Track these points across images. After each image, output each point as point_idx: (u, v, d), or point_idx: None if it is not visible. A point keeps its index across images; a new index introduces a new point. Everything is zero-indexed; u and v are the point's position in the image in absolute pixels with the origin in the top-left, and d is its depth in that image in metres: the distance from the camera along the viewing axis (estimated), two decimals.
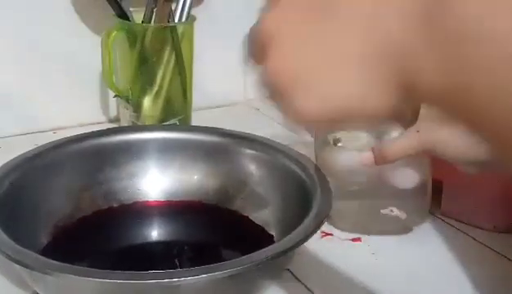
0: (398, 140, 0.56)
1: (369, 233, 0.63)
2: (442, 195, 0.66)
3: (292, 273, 0.57)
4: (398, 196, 0.62)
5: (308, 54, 0.33)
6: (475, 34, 0.28)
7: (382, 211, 0.62)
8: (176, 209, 0.63)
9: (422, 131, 0.54)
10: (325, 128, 0.40)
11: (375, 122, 0.35)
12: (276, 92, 0.36)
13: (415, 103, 0.34)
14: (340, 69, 0.32)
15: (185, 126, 0.79)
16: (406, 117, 0.36)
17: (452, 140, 0.53)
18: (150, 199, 0.65)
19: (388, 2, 0.31)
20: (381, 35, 0.31)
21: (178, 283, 0.46)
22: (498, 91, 0.27)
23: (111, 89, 0.79)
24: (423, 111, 0.43)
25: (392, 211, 0.62)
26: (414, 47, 0.30)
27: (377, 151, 0.57)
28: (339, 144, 0.62)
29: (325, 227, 0.63)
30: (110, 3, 0.76)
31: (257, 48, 0.36)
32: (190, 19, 0.80)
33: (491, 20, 0.27)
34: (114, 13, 0.77)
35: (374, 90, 0.32)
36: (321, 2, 0.33)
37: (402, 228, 0.64)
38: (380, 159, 0.57)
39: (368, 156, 0.58)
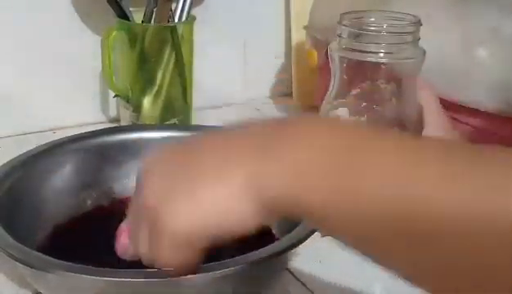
0: None
1: None
2: None
3: (292, 273, 0.57)
4: None
5: (176, 177, 0.38)
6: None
7: None
8: None
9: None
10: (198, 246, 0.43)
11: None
12: (142, 224, 0.40)
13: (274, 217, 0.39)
14: (205, 186, 0.37)
15: (185, 125, 0.79)
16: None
17: None
18: None
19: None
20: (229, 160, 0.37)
21: (177, 282, 0.46)
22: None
23: (111, 89, 0.79)
24: None
25: None
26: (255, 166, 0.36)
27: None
28: None
29: None
30: (109, 3, 0.76)
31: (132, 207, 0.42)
32: (190, 19, 0.80)
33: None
34: (114, 13, 0.77)
35: (242, 204, 0.36)
36: (188, 152, 0.40)
37: None
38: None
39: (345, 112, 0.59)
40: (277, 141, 0.36)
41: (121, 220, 0.60)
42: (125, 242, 0.55)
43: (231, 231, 0.37)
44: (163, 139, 0.67)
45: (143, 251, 0.41)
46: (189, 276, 0.46)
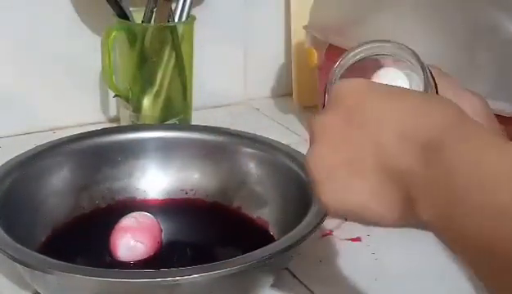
0: None
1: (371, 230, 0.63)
2: None
3: (292, 272, 0.57)
4: None
5: (337, 158, 0.40)
6: (464, 184, 0.33)
7: None
8: (175, 208, 0.63)
9: None
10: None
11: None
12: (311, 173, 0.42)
13: (415, 220, 0.38)
14: (357, 179, 0.39)
15: (185, 125, 0.79)
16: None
17: None
18: (149, 198, 0.65)
19: (400, 143, 0.37)
20: (392, 164, 0.37)
21: (177, 282, 0.46)
22: (476, 236, 0.33)
23: (111, 89, 0.79)
24: None
25: None
26: (415, 183, 0.36)
27: None
28: None
29: (325, 226, 0.62)
30: (109, 3, 0.76)
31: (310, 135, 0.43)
32: (190, 19, 0.79)
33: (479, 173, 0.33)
34: (114, 13, 0.77)
35: (381, 200, 0.38)
36: (353, 117, 0.40)
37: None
38: None
39: None
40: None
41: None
42: (128, 242, 0.55)
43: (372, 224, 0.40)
44: (164, 139, 0.67)
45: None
46: (188, 277, 0.46)
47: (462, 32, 0.66)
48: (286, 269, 0.57)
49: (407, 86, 0.53)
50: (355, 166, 0.39)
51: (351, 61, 0.55)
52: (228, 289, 0.50)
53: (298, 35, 0.90)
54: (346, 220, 0.65)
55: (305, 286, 0.56)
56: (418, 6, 0.69)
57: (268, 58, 0.97)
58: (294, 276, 0.57)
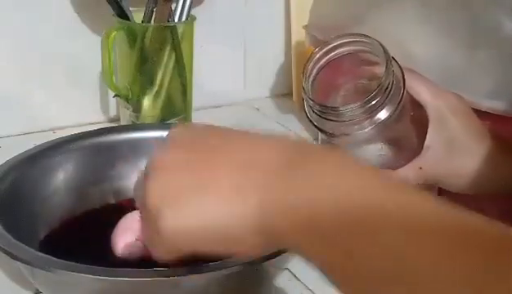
0: (401, 171, 0.56)
1: None
2: (441, 195, 0.66)
3: (292, 273, 0.57)
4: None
5: (182, 178, 0.38)
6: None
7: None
8: None
9: (424, 169, 0.55)
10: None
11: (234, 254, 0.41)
12: (146, 216, 0.40)
13: (271, 244, 0.38)
14: (208, 192, 0.37)
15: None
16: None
17: (455, 176, 0.55)
18: None
19: (257, 161, 0.37)
20: (243, 187, 0.36)
21: (176, 281, 0.46)
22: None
23: (111, 89, 0.79)
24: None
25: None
26: (272, 194, 0.35)
27: None
28: None
29: None
30: (109, 3, 0.76)
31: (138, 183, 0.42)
32: (190, 19, 0.80)
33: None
34: (114, 13, 0.77)
35: (235, 215, 0.36)
36: (200, 145, 0.39)
37: None
38: None
39: None
40: (301, 171, 0.36)
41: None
42: (128, 241, 0.55)
43: (227, 253, 0.39)
44: (164, 139, 0.67)
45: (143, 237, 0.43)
46: (188, 276, 0.46)
47: (462, 31, 0.66)
48: (286, 269, 0.57)
49: None
50: (203, 184, 0.37)
51: (324, 59, 0.56)
52: (228, 289, 0.50)
53: (298, 35, 0.90)
54: None
55: (305, 286, 0.56)
56: (418, 5, 0.69)
57: (268, 58, 0.97)
58: (294, 276, 0.57)
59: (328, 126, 0.56)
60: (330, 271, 0.35)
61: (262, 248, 0.38)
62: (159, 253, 0.40)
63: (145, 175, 0.40)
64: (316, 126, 0.57)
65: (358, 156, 0.56)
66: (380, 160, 0.58)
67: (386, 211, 0.32)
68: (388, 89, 0.54)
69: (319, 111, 0.55)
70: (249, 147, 0.38)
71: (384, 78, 0.53)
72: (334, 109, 0.55)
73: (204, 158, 0.38)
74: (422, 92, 0.56)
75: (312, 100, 0.55)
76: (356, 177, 0.35)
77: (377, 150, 0.58)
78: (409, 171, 0.56)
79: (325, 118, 0.55)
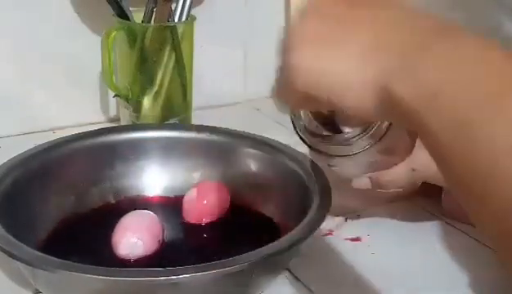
0: (394, 172, 0.56)
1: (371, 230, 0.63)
2: (441, 195, 0.66)
3: (292, 273, 0.57)
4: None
5: (323, 31, 0.39)
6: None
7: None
8: (176, 207, 0.63)
9: (418, 171, 0.55)
10: (303, 105, 0.43)
11: (348, 117, 0.40)
12: (286, 48, 0.41)
13: (389, 114, 0.37)
14: (342, 51, 0.37)
15: (185, 125, 0.79)
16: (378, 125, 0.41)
17: None
18: (149, 196, 0.65)
19: (388, 33, 0.37)
20: (378, 48, 0.36)
21: (177, 281, 0.46)
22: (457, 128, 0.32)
23: (111, 89, 0.79)
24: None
25: None
26: (395, 68, 0.35)
27: (374, 180, 0.58)
28: (334, 169, 0.61)
29: (325, 226, 0.62)
30: (109, 3, 0.76)
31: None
32: (190, 19, 0.80)
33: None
34: (114, 13, 0.77)
35: (359, 82, 0.36)
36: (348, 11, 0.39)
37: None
38: (376, 186, 0.58)
39: (365, 182, 0.58)
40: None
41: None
42: (128, 241, 0.56)
43: (346, 107, 0.38)
44: (164, 139, 0.67)
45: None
46: (188, 275, 0.46)
47: None
48: (286, 269, 0.57)
49: None
50: (339, 43, 0.38)
51: None
52: (228, 288, 0.50)
53: None
54: (346, 220, 0.65)
55: (305, 286, 0.56)
56: (418, 5, 0.69)
57: (268, 58, 0.97)
58: (294, 276, 0.57)
59: (323, 148, 0.54)
60: (438, 152, 0.34)
61: (375, 111, 0.37)
62: (280, 91, 0.43)
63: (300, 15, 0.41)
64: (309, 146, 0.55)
65: (347, 163, 0.55)
66: (373, 164, 0.58)
67: None
68: None
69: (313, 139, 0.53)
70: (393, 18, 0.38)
71: None
72: (330, 137, 0.53)
73: (350, 12, 0.39)
74: None
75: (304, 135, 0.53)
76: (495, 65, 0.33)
77: (370, 157, 0.58)
78: (401, 173, 0.56)
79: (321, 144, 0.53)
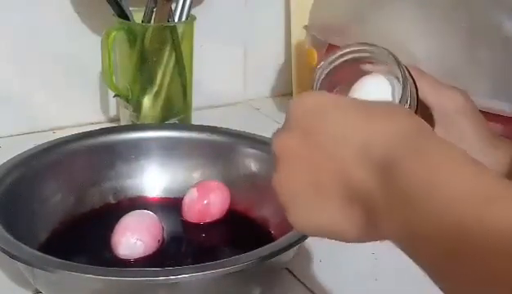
0: None
1: None
2: None
3: (292, 273, 0.57)
4: None
5: (299, 180, 0.40)
6: (422, 202, 0.33)
7: None
8: (176, 206, 0.63)
9: None
10: None
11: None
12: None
13: (381, 238, 0.38)
14: (321, 201, 0.39)
15: (185, 125, 0.79)
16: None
17: None
18: (149, 197, 0.65)
19: (358, 158, 0.37)
20: (352, 185, 0.37)
21: (176, 281, 0.46)
22: (439, 257, 0.34)
23: (111, 89, 0.79)
24: None
25: None
26: (375, 202, 0.36)
27: None
28: None
29: None
30: (109, 3, 0.76)
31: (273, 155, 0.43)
32: (190, 18, 0.80)
33: (435, 189, 0.33)
34: (114, 13, 0.77)
35: (347, 221, 0.38)
36: (311, 137, 0.40)
37: None
38: None
39: None
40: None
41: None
42: (128, 241, 0.56)
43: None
44: (164, 139, 0.67)
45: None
46: (188, 275, 0.46)
47: (462, 31, 0.66)
48: (286, 269, 0.57)
49: (389, 92, 0.53)
50: (318, 188, 0.39)
51: (332, 65, 0.55)
52: (228, 288, 0.50)
53: (298, 35, 0.90)
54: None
55: (305, 286, 0.56)
56: (418, 5, 0.69)
57: (268, 58, 0.97)
58: (294, 276, 0.57)
59: None
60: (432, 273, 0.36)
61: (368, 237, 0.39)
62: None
63: (273, 156, 0.42)
64: None
65: None
66: None
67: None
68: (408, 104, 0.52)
69: None
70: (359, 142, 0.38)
71: (402, 98, 0.51)
72: None
73: (315, 157, 0.39)
74: (428, 94, 0.55)
75: None
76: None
77: None
78: None
79: None
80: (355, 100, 0.44)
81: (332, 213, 0.39)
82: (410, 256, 0.36)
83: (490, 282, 0.30)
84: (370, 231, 0.38)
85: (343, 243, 0.62)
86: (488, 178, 0.33)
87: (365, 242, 0.39)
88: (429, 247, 0.34)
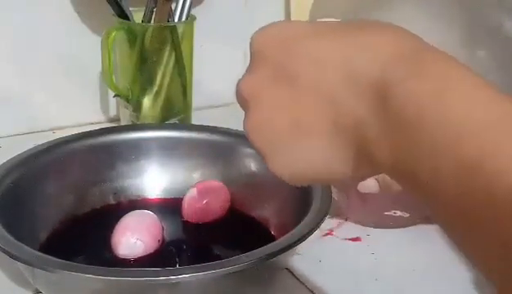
0: None
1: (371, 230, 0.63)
2: None
3: (292, 273, 0.57)
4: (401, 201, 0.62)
5: (276, 121, 0.35)
6: (418, 121, 0.29)
7: (385, 212, 0.63)
8: (175, 206, 0.63)
9: None
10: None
11: (345, 181, 0.38)
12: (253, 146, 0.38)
13: (374, 171, 0.35)
14: (305, 141, 0.34)
15: (185, 125, 0.79)
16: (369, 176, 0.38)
17: None
18: (149, 197, 0.65)
19: (345, 82, 0.32)
20: (340, 119, 0.32)
21: (176, 281, 0.46)
22: (439, 172, 0.28)
23: (111, 89, 0.79)
24: None
25: (395, 212, 0.63)
26: (367, 127, 0.31)
27: (381, 180, 0.58)
28: None
29: (325, 226, 0.62)
30: (109, 3, 0.76)
31: (240, 103, 0.39)
32: (190, 18, 0.80)
33: (429, 108, 0.29)
34: (114, 13, 0.77)
35: (336, 157, 0.34)
36: (284, 70, 0.35)
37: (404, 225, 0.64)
38: (383, 189, 0.58)
39: (372, 185, 0.58)
40: None
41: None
42: (128, 241, 0.56)
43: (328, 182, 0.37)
44: (164, 139, 0.67)
45: None
46: (188, 275, 0.46)
47: (462, 30, 0.66)
48: (286, 269, 0.57)
49: None
50: (298, 127, 0.34)
51: None
52: (228, 288, 0.50)
53: None
54: (346, 219, 0.65)
55: (305, 286, 0.56)
56: (418, 4, 0.69)
57: None
58: (294, 276, 0.57)
59: None
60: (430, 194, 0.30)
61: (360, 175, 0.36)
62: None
63: (240, 101, 0.38)
64: None
65: None
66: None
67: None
68: None
69: None
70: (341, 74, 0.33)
71: None
72: None
73: (292, 92, 0.34)
74: None
75: None
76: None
77: None
78: None
79: None
80: (329, 22, 0.38)
81: (318, 152, 0.34)
82: (404, 186, 0.32)
83: (484, 204, 0.27)
84: (360, 164, 0.33)
85: (343, 243, 0.63)
86: (507, 105, 0.30)
87: (354, 180, 0.36)
88: (427, 172, 0.29)
